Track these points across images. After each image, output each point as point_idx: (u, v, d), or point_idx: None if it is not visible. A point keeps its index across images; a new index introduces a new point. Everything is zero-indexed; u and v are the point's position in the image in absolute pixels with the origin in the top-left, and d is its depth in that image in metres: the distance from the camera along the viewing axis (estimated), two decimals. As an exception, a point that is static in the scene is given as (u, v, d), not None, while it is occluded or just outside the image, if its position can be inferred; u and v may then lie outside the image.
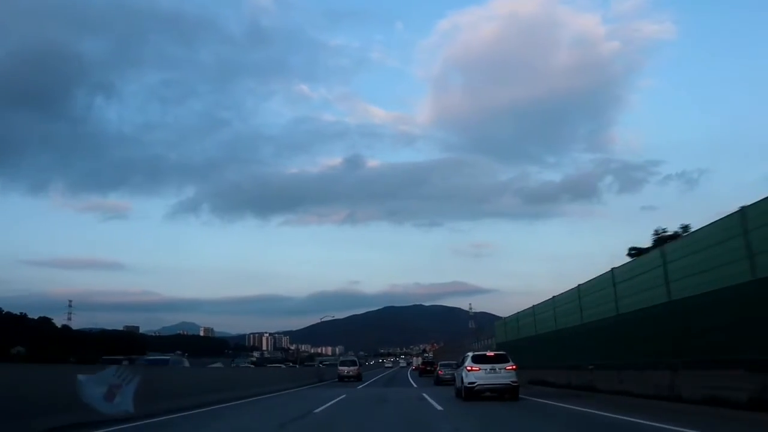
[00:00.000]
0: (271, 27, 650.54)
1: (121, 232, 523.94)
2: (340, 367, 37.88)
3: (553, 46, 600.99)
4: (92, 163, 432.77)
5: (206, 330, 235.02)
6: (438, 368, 29.28)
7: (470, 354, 16.42)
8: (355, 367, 37.82)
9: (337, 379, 36.30)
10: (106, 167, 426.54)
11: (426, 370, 45.71)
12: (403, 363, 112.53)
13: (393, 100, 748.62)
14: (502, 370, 15.34)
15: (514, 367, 15.44)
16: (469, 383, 15.19)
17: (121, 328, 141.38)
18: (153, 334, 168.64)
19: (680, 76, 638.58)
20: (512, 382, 15.14)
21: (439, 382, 27.32)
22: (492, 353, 16.13)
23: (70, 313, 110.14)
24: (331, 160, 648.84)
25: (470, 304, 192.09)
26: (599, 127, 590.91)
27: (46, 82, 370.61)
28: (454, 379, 21.32)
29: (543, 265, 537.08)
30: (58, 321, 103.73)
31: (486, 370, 15.30)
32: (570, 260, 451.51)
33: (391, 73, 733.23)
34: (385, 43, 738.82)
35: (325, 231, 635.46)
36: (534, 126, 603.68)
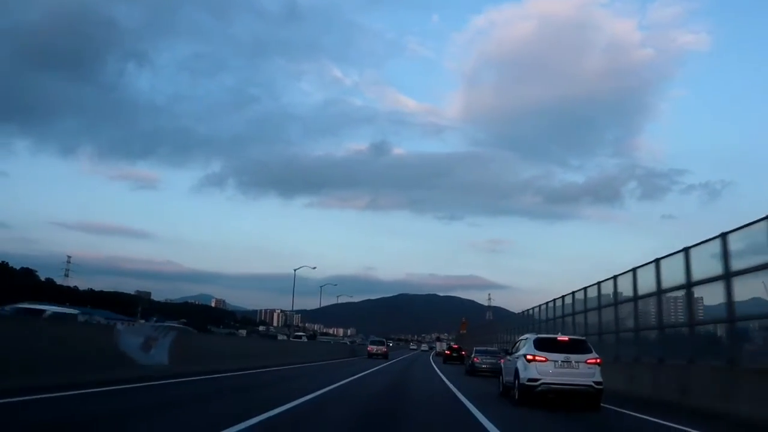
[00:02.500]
0: (307, 4, 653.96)
1: (149, 201, 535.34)
2: (371, 346, 44.33)
3: (587, 49, 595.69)
4: (122, 131, 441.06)
5: (218, 302, 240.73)
6: (472, 355, 25.56)
7: (531, 336, 12.06)
8: (383, 347, 43.95)
9: (366, 356, 42.16)
10: (135, 136, 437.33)
11: (451, 357, 41.52)
12: (425, 347, 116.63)
13: (423, 91, 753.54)
14: (581, 364, 10.89)
15: (597, 360, 11.14)
16: (530, 380, 10.88)
17: (132, 292, 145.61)
18: (164, 301, 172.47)
19: (711, 87, 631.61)
20: (595, 383, 10.78)
21: (473, 371, 24.12)
22: (566, 338, 12.06)
23: (67, 269, 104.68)
24: (357, 144, 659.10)
25: (489, 294, 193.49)
26: (626, 133, 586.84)
27: (78, 45, 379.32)
28: (493, 370, 20.61)
29: (558, 266, 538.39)
30: (63, 279, 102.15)
31: (557, 362, 10.91)
32: (585, 263, 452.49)
33: (424, 64, 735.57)
34: (420, 33, 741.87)
35: (346, 216, 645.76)
36: (561, 127, 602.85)
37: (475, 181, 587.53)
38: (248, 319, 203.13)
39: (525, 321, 35.41)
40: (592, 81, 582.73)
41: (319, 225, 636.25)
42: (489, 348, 29.00)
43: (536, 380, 10.89)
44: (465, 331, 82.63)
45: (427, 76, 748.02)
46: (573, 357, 11.03)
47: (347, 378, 16.65)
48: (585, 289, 20.35)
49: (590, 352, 11.35)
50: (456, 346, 45.47)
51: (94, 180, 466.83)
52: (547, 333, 15.45)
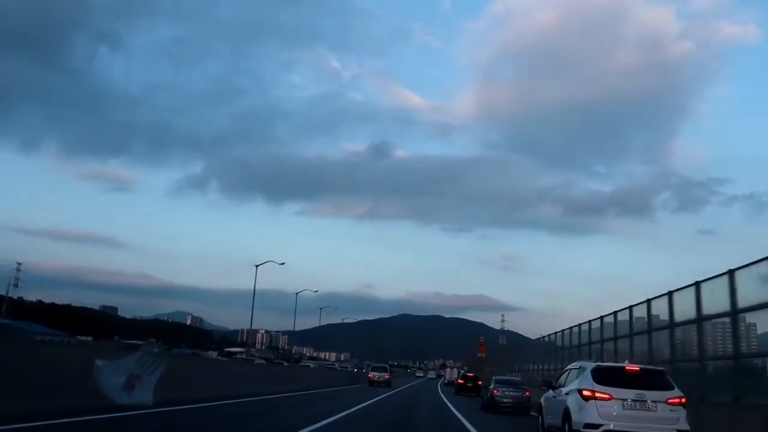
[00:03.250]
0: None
1: (121, 205, 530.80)
2: (372, 372, 44.84)
3: (617, 42, 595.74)
4: (91, 124, 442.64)
5: (194, 320, 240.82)
6: (491, 386, 23.10)
7: (587, 365, 10.30)
8: (386, 374, 44.13)
9: (368, 384, 42.72)
10: (107, 130, 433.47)
11: (465, 387, 39.62)
12: (432, 375, 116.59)
13: (430, 85, 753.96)
14: (659, 405, 9.17)
15: (681, 399, 9.44)
16: (588, 425, 9.07)
17: (97, 308, 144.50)
18: (132, 318, 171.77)
19: (758, 85, 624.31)
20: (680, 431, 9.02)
21: (493, 406, 21.87)
22: (637, 368, 10.24)
23: (16, 279, 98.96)
24: (355, 145, 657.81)
25: (503, 315, 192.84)
26: (659, 137, 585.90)
27: (41, 24, 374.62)
28: (517, 406, 20.97)
29: (579, 287, 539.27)
30: (13, 291, 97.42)
31: (626, 401, 9.14)
32: (610, 285, 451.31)
33: (432, 55, 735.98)
34: (429, 20, 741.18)
35: (342, 225, 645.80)
36: (585, 130, 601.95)
37: (487, 189, 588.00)
38: (227, 340, 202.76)
39: (543, 347, 35.47)
40: (622, 78, 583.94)
41: (312, 235, 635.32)
42: (512, 377, 27.99)
43: (597, 426, 8.93)
44: (484, 354, 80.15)
45: (435, 70, 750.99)
46: (649, 394, 9.14)
47: (343, 411, 16.55)
48: (615, 313, 20.39)
49: (671, 388, 9.51)
50: (471, 375, 43.74)
51: (60, 179, 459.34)
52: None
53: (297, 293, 72.40)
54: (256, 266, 55.82)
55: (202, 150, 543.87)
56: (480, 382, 37.32)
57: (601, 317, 21.85)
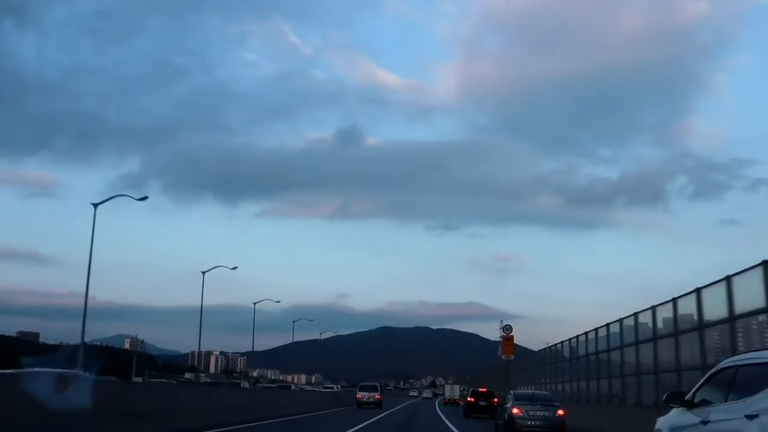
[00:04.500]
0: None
1: (44, 213, 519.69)
2: (361, 392, 46.31)
3: (621, 6, 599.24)
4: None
5: (134, 343, 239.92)
6: (508, 404, 20.15)
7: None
8: (377, 394, 45.88)
9: (356, 405, 44.42)
10: (20, 123, 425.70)
11: (476, 406, 37.30)
12: (428, 393, 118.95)
13: (406, 61, 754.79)
14: None
15: None
16: None
17: (14, 335, 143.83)
18: (61, 344, 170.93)
19: None
20: None
21: (512, 429, 19.03)
22: None
23: None
24: (320, 132, 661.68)
25: (501, 321, 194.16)
26: (672, 114, 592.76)
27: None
28: (544, 429, 18.75)
29: (585, 289, 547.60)
30: None
31: None
32: (620, 285, 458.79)
33: (407, 26, 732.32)
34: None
35: (309, 227, 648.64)
36: (587, 108, 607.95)
37: (475, 179, 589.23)
38: (173, 366, 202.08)
39: (553, 358, 36.57)
40: (628, 48, 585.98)
41: (275, 240, 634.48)
42: (538, 392, 25.41)
43: None
44: (512, 356, 62.56)
45: (410, 43, 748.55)
46: None
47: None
48: (636, 314, 21.43)
49: None
50: (484, 390, 39.92)
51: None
52: (595, 372, 16.03)
53: (255, 303, 72.06)
54: (203, 273, 56.22)
55: (139, 143, 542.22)
56: (495, 400, 35.58)
57: (621, 319, 22.98)
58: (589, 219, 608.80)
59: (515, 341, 58.15)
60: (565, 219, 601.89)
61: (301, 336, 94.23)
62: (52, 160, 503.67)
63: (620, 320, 22.98)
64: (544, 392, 26.34)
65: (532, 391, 25.67)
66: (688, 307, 17.95)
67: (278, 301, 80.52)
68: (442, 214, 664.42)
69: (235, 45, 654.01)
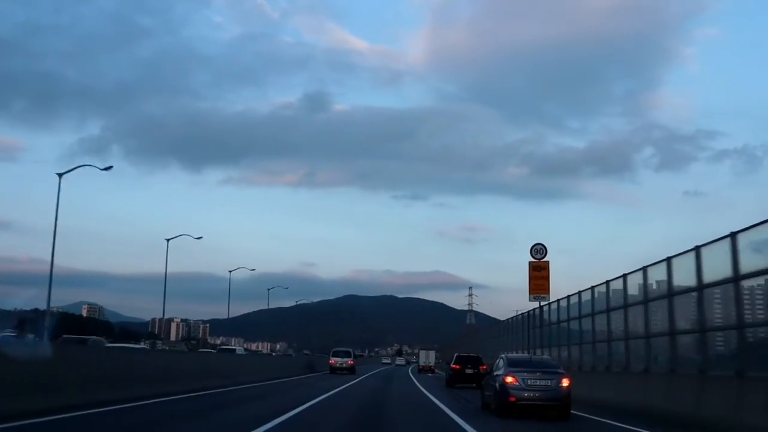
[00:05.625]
0: None
1: (5, 177, 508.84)
2: (333, 358, 47.67)
3: None
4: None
5: (91, 309, 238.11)
6: (499, 372, 16.73)
7: None
8: (349, 359, 47.46)
9: (328, 371, 45.99)
10: None
11: (463, 375, 33.35)
12: (401, 360, 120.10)
13: (375, 27, 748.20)
14: None
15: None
16: None
17: None
18: (12, 309, 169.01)
19: (751, 23, 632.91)
20: None
21: (504, 405, 15.99)
22: None
23: None
24: (287, 96, 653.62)
25: (471, 290, 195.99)
26: (640, 85, 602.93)
27: None
28: (550, 401, 15.69)
29: (553, 259, 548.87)
30: None
31: None
32: (587, 256, 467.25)
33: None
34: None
35: (275, 195, 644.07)
36: (556, 78, 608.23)
37: (443, 148, 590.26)
38: (130, 332, 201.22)
39: (512, 327, 37.74)
40: (596, 19, 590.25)
41: (240, 207, 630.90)
42: (536, 356, 22.57)
43: None
44: (547, 294, 51.24)
45: (379, 7, 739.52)
46: None
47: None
48: (608, 282, 22.44)
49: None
50: (473, 355, 36.08)
51: None
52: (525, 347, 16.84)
53: (231, 271, 73.19)
54: (167, 240, 56.35)
55: (100, 106, 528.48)
56: (484, 367, 31.47)
57: (593, 287, 23.91)
58: (557, 189, 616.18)
59: (482, 311, 58.55)
60: (533, 189, 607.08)
61: (266, 304, 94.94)
62: (9, 122, 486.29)
63: (607, 282, 23.16)
64: (544, 357, 23.40)
65: (528, 356, 22.58)
66: (657, 276, 19.11)
67: (254, 269, 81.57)
68: (410, 183, 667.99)
69: (200, 5, 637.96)
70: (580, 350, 25.67)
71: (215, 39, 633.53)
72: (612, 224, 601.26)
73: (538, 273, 31.43)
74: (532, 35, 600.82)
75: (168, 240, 56.25)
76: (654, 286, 19.67)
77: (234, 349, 52.02)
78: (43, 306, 36.87)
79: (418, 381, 39.73)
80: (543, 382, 15.92)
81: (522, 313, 38.10)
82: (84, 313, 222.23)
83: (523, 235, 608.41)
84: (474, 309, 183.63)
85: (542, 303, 31.21)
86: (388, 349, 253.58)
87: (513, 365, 16.68)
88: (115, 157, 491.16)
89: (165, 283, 56.48)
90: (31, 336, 14.40)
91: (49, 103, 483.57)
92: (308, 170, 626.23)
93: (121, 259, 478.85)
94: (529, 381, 15.89)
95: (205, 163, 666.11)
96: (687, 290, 16.91)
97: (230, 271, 72.46)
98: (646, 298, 19.47)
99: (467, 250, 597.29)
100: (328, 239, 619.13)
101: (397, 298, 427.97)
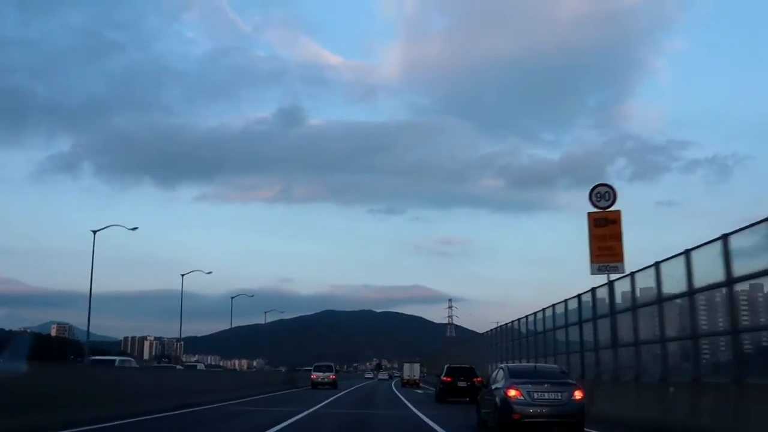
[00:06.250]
0: None
1: None
2: (315, 373, 47.11)
3: None
4: None
5: (60, 329, 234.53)
6: (500, 385, 14.92)
7: None
8: (331, 374, 46.91)
9: (309, 386, 45.20)
10: None
11: (454, 388, 30.87)
12: (384, 375, 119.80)
13: (348, 41, 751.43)
14: None
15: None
16: None
17: None
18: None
19: (721, 35, 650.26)
20: None
21: (506, 423, 14.16)
22: None
23: None
24: (261, 111, 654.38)
25: (451, 302, 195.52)
26: (612, 97, 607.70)
27: None
28: (555, 419, 13.97)
29: (529, 272, 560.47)
30: None
31: None
32: (563, 267, 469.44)
33: (349, 4, 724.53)
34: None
35: (250, 211, 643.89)
36: (530, 90, 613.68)
37: (418, 161, 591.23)
38: (101, 351, 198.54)
39: (495, 338, 37.51)
40: (569, 31, 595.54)
41: (215, 224, 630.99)
42: (542, 365, 20.01)
43: None
44: (620, 263, 36.23)
45: (353, 21, 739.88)
46: None
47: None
48: (587, 293, 22.30)
49: None
50: (466, 366, 33.53)
51: None
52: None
53: (183, 275, 68.57)
54: (182, 275, 55.99)
55: (70, 122, 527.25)
56: (478, 379, 29.79)
57: (578, 296, 23.76)
58: (532, 201, 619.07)
59: (459, 323, 58.15)
60: (509, 201, 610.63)
61: (243, 321, 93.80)
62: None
63: (578, 296, 23.37)
64: (551, 365, 19.93)
65: (533, 365, 19.59)
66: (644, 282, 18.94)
67: (210, 272, 78.59)
68: (385, 197, 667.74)
69: (171, 19, 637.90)
70: (568, 358, 24.84)
71: (187, 53, 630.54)
72: (585, 236, 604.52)
73: (604, 230, 22.70)
74: (506, 47, 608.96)
75: (183, 275, 56.38)
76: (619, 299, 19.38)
77: (195, 366, 53.43)
78: (11, 326, 35.95)
79: (403, 396, 37.80)
80: (552, 395, 14.10)
81: (501, 325, 37.70)
82: (53, 333, 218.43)
83: (500, 248, 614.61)
84: (454, 322, 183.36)
85: (613, 276, 21.82)
86: (367, 363, 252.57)
87: (515, 376, 14.78)
88: (86, 174, 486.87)
89: (181, 305, 55.76)
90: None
91: (17, 119, 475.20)
92: (284, 185, 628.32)
93: (95, 278, 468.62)
94: (535, 394, 14.04)
95: (179, 180, 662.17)
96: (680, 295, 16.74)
97: (182, 275, 68.92)
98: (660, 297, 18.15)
99: (444, 264, 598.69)
100: (305, 254, 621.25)
101: (375, 312, 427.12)
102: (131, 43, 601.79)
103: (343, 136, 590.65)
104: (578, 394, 14.12)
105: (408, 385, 64.63)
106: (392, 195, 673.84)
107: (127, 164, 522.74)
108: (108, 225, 50.25)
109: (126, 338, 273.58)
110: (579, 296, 23.62)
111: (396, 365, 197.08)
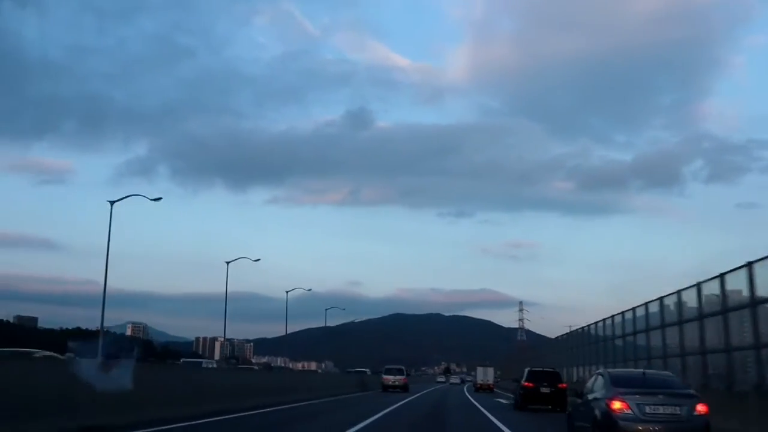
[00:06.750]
0: None
1: (57, 200, 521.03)
2: (386, 376, 47.61)
3: None
4: (4, 99, 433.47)
5: (135, 328, 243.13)
6: (599, 393, 13.03)
7: None
8: (402, 377, 47.16)
9: (381, 389, 45.76)
10: (25, 106, 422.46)
11: (537, 395, 27.89)
12: (456, 379, 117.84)
13: (416, 44, 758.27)
14: None
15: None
16: None
17: (11, 320, 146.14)
18: (54, 329, 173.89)
19: None
20: None
21: None
22: None
23: None
24: (329, 114, 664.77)
25: (521, 304, 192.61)
26: (688, 96, 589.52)
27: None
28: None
29: (599, 276, 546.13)
30: None
31: None
32: (636, 271, 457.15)
33: (417, 7, 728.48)
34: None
35: (320, 214, 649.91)
36: (601, 91, 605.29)
37: (487, 164, 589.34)
38: (171, 351, 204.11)
39: (569, 342, 36.73)
40: (643, 29, 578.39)
41: (285, 227, 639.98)
42: (651, 371, 15.09)
43: None
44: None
45: (421, 24, 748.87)
46: None
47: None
48: (662, 298, 21.68)
49: None
50: (550, 370, 30.30)
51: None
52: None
53: (288, 292, 76.32)
54: (227, 263, 57.54)
55: (146, 127, 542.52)
56: (563, 385, 27.79)
57: (660, 298, 23.24)
58: (603, 203, 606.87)
59: (530, 328, 57.04)
60: (579, 204, 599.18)
61: (311, 324, 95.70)
62: (59, 144, 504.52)
63: (660, 298, 23.04)
64: (664, 372, 16.55)
65: (640, 371, 15.02)
66: (733, 284, 18.36)
67: (310, 290, 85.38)
68: (454, 200, 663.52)
69: (241, 24, 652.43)
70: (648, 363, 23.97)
71: (257, 58, 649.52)
72: (660, 239, 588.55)
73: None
74: (576, 47, 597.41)
75: (228, 263, 58.77)
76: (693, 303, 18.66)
77: (271, 367, 54.80)
78: (88, 325, 38.02)
79: (477, 401, 35.43)
80: (668, 409, 11.78)
81: (574, 330, 36.94)
82: (129, 333, 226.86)
83: (570, 251, 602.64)
84: (525, 326, 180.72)
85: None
86: (436, 368, 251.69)
87: (620, 385, 12.50)
88: (162, 178, 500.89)
89: (225, 305, 57.86)
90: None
91: (96, 125, 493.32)
92: (352, 188, 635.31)
93: (168, 279, 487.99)
94: (646, 408, 11.74)
95: (250, 183, 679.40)
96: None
97: (287, 292, 76.00)
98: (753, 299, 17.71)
99: (513, 267, 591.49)
100: (374, 257, 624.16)
101: (443, 316, 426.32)
102: (203, 49, 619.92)
103: (411, 139, 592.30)
104: (701, 408, 11.84)
105: (481, 389, 61.04)
106: (461, 198, 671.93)
107: (200, 168, 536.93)
108: (127, 195, 44.00)
109: (197, 338, 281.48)
110: (661, 299, 23.12)
111: (465, 369, 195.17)
